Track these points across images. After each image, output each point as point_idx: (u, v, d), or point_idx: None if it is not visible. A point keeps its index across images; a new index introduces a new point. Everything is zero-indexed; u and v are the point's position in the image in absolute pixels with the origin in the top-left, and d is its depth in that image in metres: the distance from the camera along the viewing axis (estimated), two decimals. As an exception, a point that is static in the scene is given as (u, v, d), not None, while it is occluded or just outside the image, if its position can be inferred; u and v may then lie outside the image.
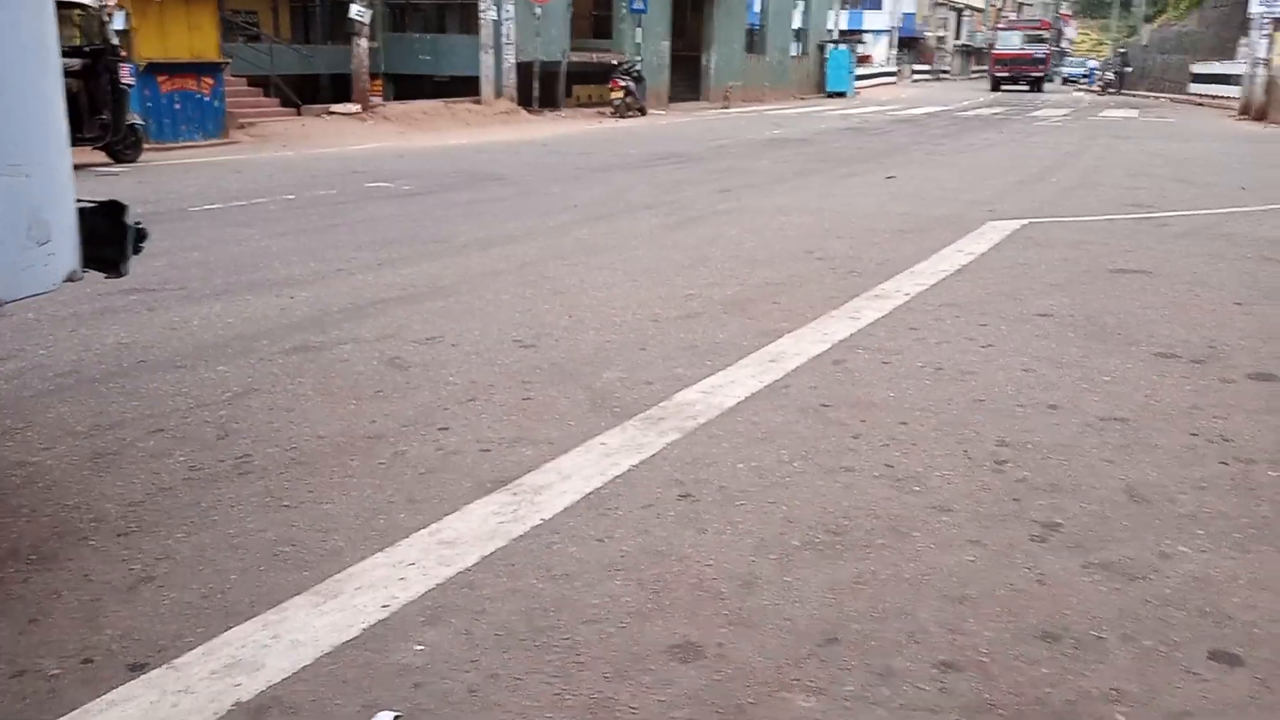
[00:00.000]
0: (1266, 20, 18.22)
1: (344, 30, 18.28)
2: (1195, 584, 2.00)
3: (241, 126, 14.59)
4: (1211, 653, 1.77)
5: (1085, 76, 54.55)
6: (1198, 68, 28.54)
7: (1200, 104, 25.89)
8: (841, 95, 31.52)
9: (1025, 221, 6.48)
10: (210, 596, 1.95)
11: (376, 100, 18.04)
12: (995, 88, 38.04)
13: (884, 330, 3.91)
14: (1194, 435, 2.81)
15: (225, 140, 13.73)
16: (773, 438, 2.79)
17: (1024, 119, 20.26)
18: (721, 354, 3.58)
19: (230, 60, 15.02)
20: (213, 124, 13.79)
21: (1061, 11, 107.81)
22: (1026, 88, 37.83)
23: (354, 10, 17.31)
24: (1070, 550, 2.14)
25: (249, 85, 16.39)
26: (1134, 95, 34.22)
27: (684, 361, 3.50)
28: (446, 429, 2.86)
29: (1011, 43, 38.95)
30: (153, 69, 12.84)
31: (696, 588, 1.99)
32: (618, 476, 2.52)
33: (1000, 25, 43.50)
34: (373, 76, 18.27)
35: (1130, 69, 39.01)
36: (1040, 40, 39.04)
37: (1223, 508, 2.35)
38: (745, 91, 27.46)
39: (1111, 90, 37.66)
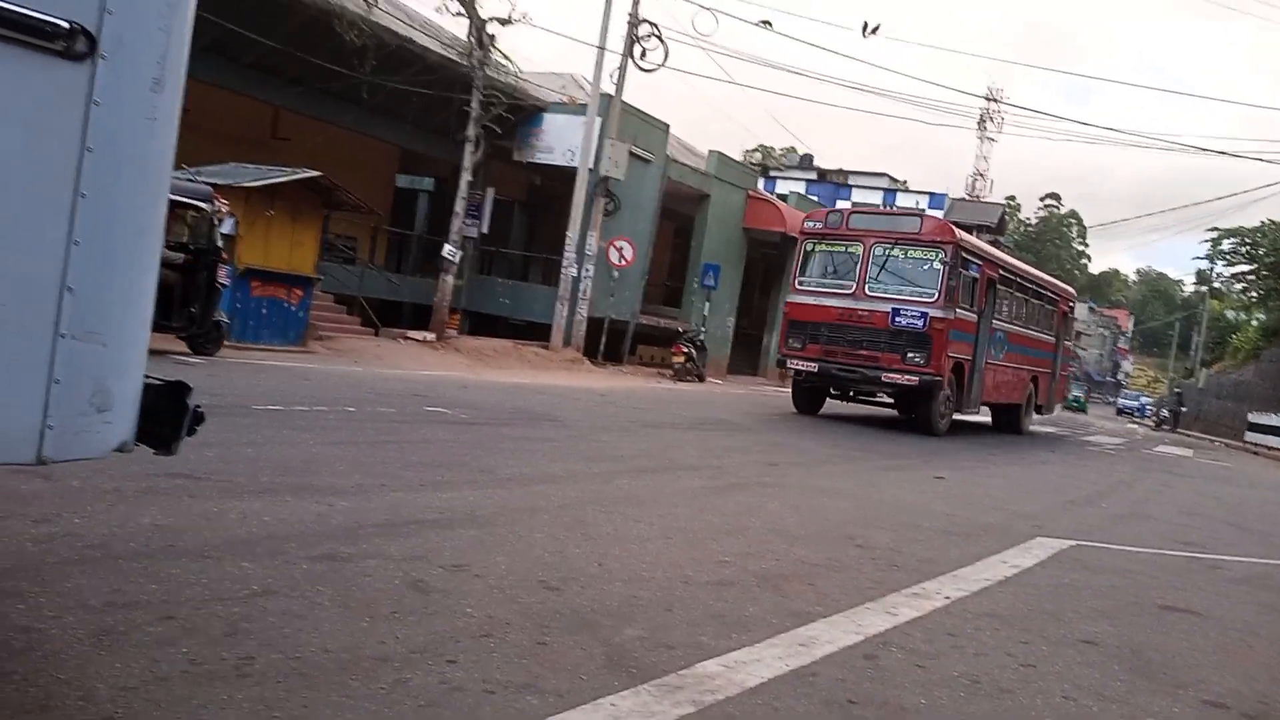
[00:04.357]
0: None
1: (433, 265, 19.42)
2: None
3: (320, 338, 15.28)
4: None
5: (1139, 410, 55.32)
6: (1254, 417, 28.72)
7: (1256, 453, 25.82)
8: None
9: (1073, 543, 6.35)
10: (176, 803, 1.83)
11: (452, 332, 18.88)
12: (796, 401, 15.71)
13: (920, 632, 3.76)
14: (1248, 799, 2.58)
15: (302, 349, 14.34)
16: (792, 727, 2.63)
17: (1077, 441, 20.33)
18: (749, 629, 3.45)
19: (322, 278, 15.97)
20: (294, 332, 14.48)
21: (1119, 345, 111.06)
22: (891, 407, 15.61)
23: (446, 250, 18.48)
24: None
25: (335, 301, 17.33)
26: (1188, 435, 34.33)
27: (710, 630, 3.38)
28: (455, 662, 2.76)
29: (840, 279, 14.36)
30: (249, 274, 13.69)
31: None
32: (624, 742, 2.38)
33: (814, 227, 15.00)
34: (452, 310, 19.22)
35: (1185, 409, 39.38)
36: (929, 269, 13.76)
37: None
38: (803, 375, 28.17)
39: (1165, 427, 37.93)
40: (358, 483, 5.14)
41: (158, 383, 2.39)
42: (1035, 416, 19.74)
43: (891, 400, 15.33)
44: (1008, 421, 18.31)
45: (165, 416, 2.37)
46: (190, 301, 10.65)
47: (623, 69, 20.49)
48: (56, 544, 3.32)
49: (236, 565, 3.37)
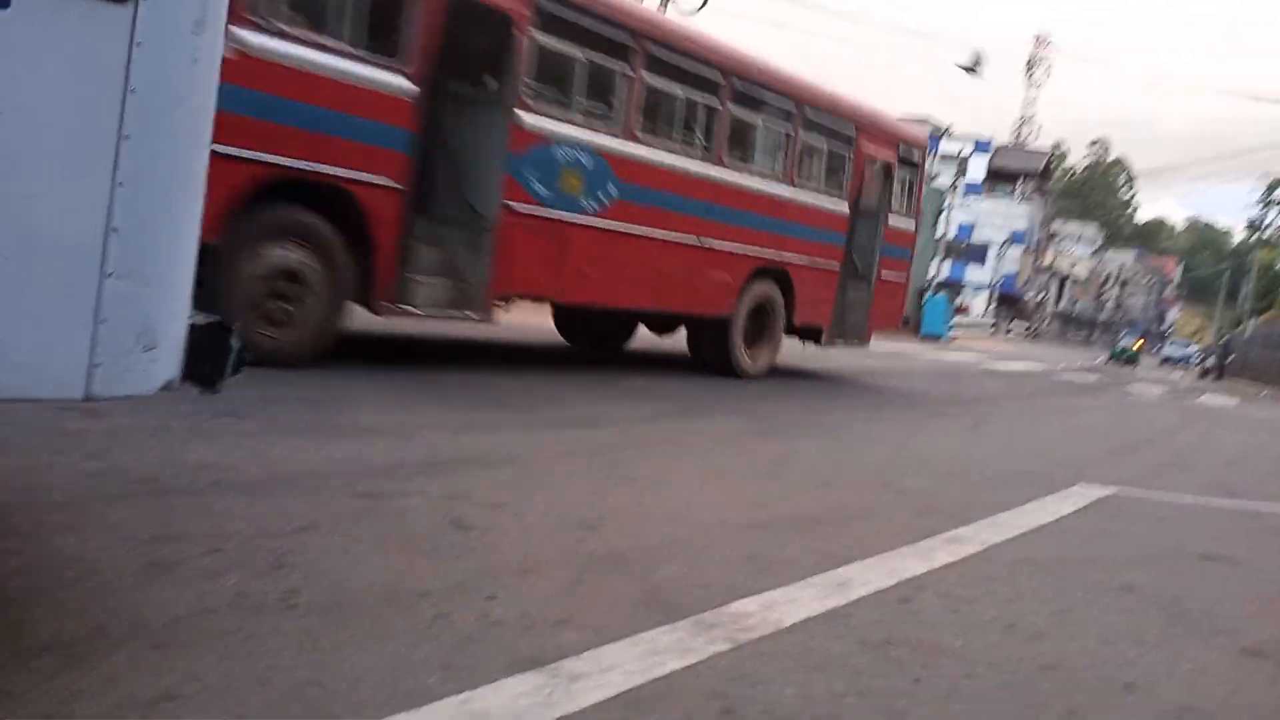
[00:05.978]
0: (1378, 330, 18.02)
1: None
2: None
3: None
4: None
5: (1186, 360, 54.24)
6: (1303, 367, 28.16)
7: (1305, 403, 25.34)
8: (936, 339, 31.84)
9: (1114, 490, 6.29)
10: (227, 726, 1.89)
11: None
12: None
13: (956, 576, 3.76)
14: (1284, 745, 2.58)
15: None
16: (827, 667, 2.65)
17: (1119, 390, 20.08)
18: (784, 570, 3.48)
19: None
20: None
21: (1165, 294, 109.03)
22: None
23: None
24: None
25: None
26: (1234, 384, 33.75)
27: (745, 570, 3.41)
28: (494, 598, 2.81)
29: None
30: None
31: (725, 812, 1.85)
32: (659, 678, 2.42)
33: None
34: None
35: (1232, 357, 38.67)
36: None
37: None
38: (841, 321, 27.92)
39: (1211, 376, 37.30)
40: (398, 422, 5.21)
41: (202, 322, 2.42)
42: (803, 350, 11.61)
43: None
44: (713, 351, 9.94)
45: (209, 355, 2.40)
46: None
47: (663, 7, 20.20)
48: (106, 478, 3.41)
49: (281, 501, 3.44)
